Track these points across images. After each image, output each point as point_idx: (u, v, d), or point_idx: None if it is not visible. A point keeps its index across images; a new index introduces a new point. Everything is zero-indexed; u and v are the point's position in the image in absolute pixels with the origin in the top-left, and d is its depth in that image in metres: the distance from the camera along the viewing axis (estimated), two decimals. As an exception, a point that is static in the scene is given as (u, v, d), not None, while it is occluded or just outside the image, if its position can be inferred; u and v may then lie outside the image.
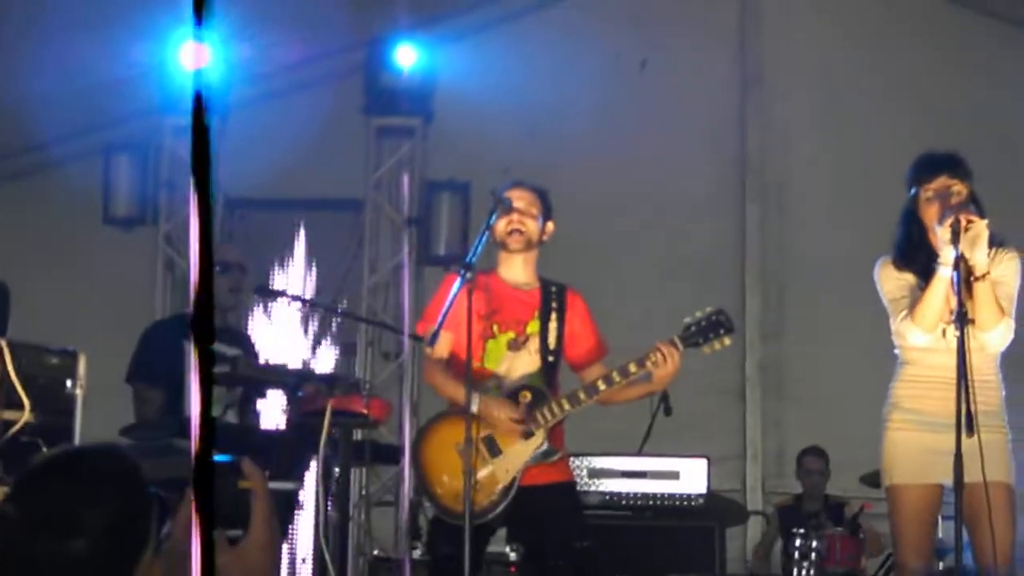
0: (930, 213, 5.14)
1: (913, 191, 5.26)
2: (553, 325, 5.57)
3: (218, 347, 6.42)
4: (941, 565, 8.12)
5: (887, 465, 5.28)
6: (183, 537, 2.47)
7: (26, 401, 4.84)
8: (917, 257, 5.21)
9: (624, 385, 5.42)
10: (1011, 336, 5.14)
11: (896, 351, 5.32)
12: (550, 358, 5.54)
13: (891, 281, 5.29)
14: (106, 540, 2.35)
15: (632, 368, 5.39)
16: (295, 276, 10.13)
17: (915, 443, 5.18)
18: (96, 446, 2.62)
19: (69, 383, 5.08)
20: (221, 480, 2.43)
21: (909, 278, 5.24)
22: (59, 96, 9.36)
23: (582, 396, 5.42)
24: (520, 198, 5.55)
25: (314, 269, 10.20)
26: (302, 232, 10.25)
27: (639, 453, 8.12)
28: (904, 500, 5.22)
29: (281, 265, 10.18)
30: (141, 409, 6.67)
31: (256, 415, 7.04)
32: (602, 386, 5.40)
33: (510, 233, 5.56)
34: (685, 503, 7.76)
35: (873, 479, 6.18)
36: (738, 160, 10.36)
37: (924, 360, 5.21)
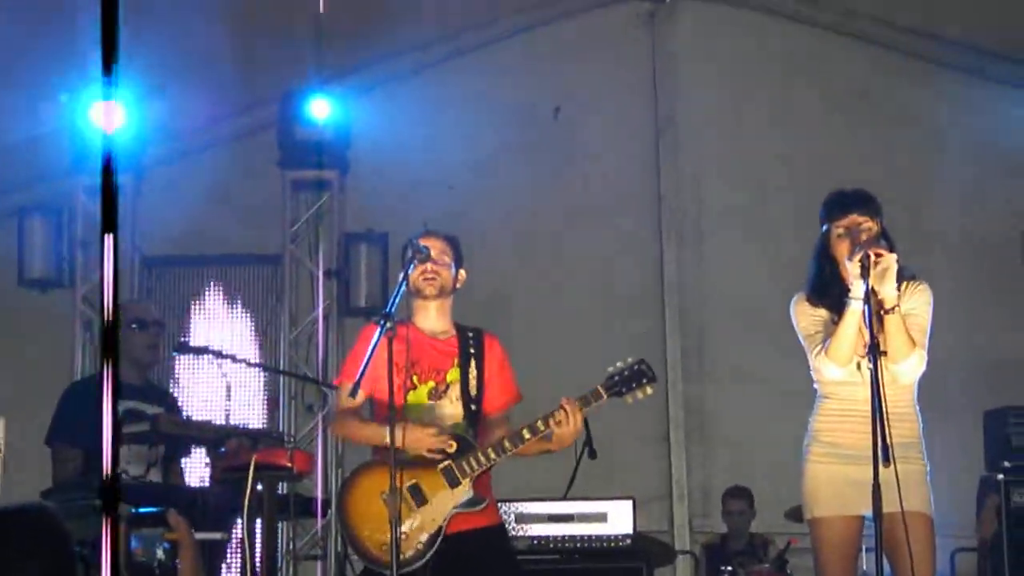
0: (841, 249, 5.24)
1: (825, 228, 5.36)
2: (473, 371, 5.59)
3: (138, 405, 6.43)
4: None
5: (808, 498, 5.34)
6: None
7: (-54, 466, 4.80)
8: (830, 292, 5.30)
9: (534, 441, 5.44)
10: (923, 368, 5.23)
11: (815, 385, 5.39)
12: (472, 406, 5.55)
13: (805, 317, 5.37)
14: None
15: (540, 425, 5.42)
16: (214, 332, 10.09)
17: (835, 475, 5.25)
18: (25, 507, 2.60)
19: (-11, 447, 5.04)
20: (148, 531, 2.43)
21: (823, 313, 5.33)
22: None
23: (507, 445, 5.43)
24: (432, 246, 5.57)
25: (233, 324, 10.17)
26: (220, 288, 10.22)
27: (565, 497, 8.13)
28: (826, 532, 5.28)
29: (199, 321, 10.14)
30: (59, 470, 6.60)
31: (181, 473, 7.00)
32: (527, 435, 5.41)
33: (424, 280, 5.58)
34: (613, 544, 7.79)
35: (797, 514, 6.24)
36: (653, 203, 10.45)
37: (840, 393, 5.28)
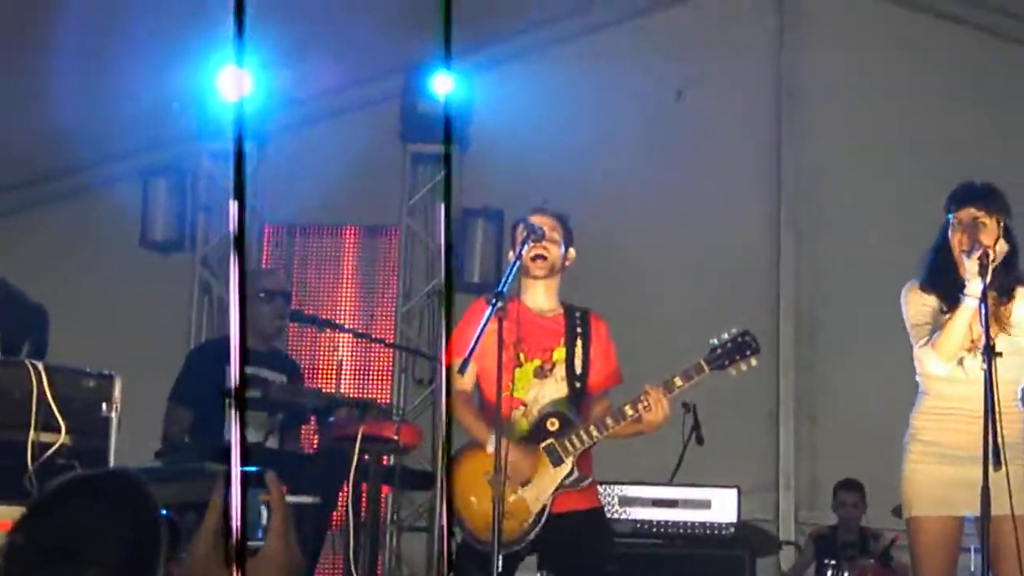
0: (955, 242, 5.18)
1: (948, 218, 5.29)
2: (579, 351, 5.58)
3: (262, 372, 6.50)
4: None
5: (907, 497, 5.29)
6: (205, 547, 2.47)
7: (62, 424, 4.90)
8: (943, 282, 5.23)
9: (628, 423, 5.43)
10: None
11: (917, 379, 5.33)
12: (577, 384, 5.56)
13: (915, 306, 5.31)
14: (117, 570, 2.34)
15: (628, 410, 5.40)
16: (328, 301, 10.19)
17: (935, 475, 5.19)
18: (107, 473, 2.62)
19: (105, 406, 5.13)
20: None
21: (932, 302, 5.26)
22: (99, 120, 9.46)
23: (609, 422, 5.43)
24: (543, 224, 5.57)
25: (348, 294, 10.26)
26: (339, 257, 10.31)
27: (670, 482, 8.11)
28: (924, 532, 5.22)
29: (315, 289, 10.25)
30: (168, 428, 6.69)
31: (298, 440, 7.05)
32: (630, 411, 5.41)
33: (533, 259, 5.57)
34: (716, 532, 7.75)
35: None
36: (773, 187, 10.36)
37: (942, 391, 5.23)
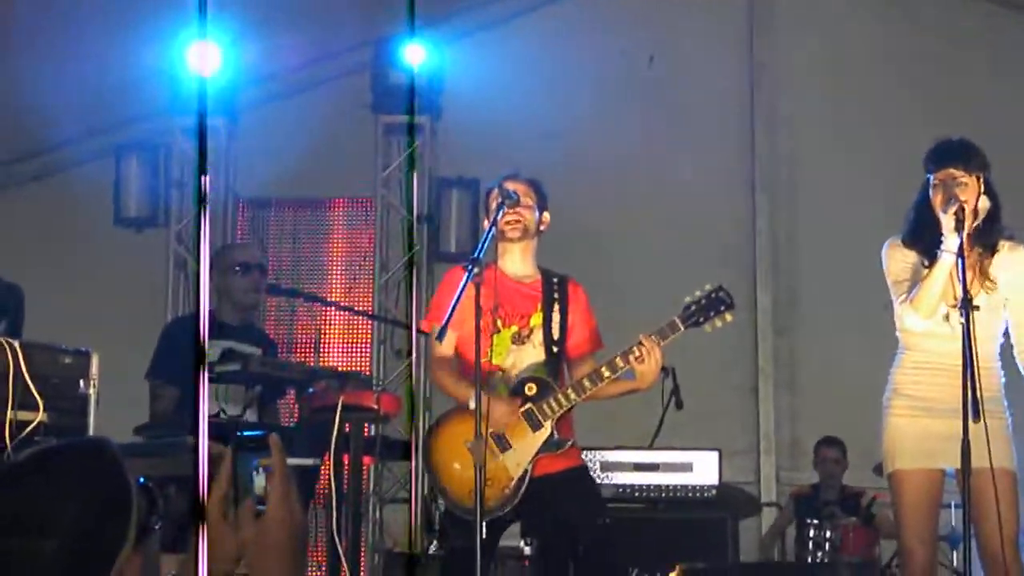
0: (936, 200, 5.17)
1: (928, 176, 5.29)
2: (556, 316, 5.60)
3: (237, 345, 6.48)
4: (955, 555, 8.14)
5: (889, 451, 5.31)
6: (215, 513, 2.46)
7: (40, 401, 4.87)
8: (923, 236, 5.23)
9: (613, 380, 5.43)
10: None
11: (898, 334, 5.35)
12: (554, 349, 5.57)
13: (896, 261, 5.32)
14: (78, 540, 2.29)
15: (619, 362, 5.40)
16: (305, 274, 10.18)
17: (917, 429, 5.21)
18: (75, 443, 2.59)
19: (82, 383, 5.10)
20: (243, 456, 2.45)
21: (913, 257, 5.27)
22: (70, 99, 9.40)
23: (587, 384, 5.43)
24: (517, 189, 5.57)
25: (324, 267, 10.25)
26: (313, 230, 10.30)
27: (651, 447, 8.13)
28: (907, 485, 5.24)
29: (291, 263, 10.23)
30: (154, 405, 6.67)
31: (277, 413, 7.05)
32: (607, 372, 5.41)
33: (508, 224, 5.58)
34: (698, 495, 7.78)
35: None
36: (747, 152, 10.37)
37: (923, 345, 5.25)
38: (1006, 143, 9.17)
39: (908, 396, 5.26)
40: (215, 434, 2.38)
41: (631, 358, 5.37)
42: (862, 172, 9.99)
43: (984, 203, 5.14)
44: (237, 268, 6.85)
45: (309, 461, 5.62)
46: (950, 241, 5.00)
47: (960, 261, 4.92)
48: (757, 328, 10.05)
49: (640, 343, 5.37)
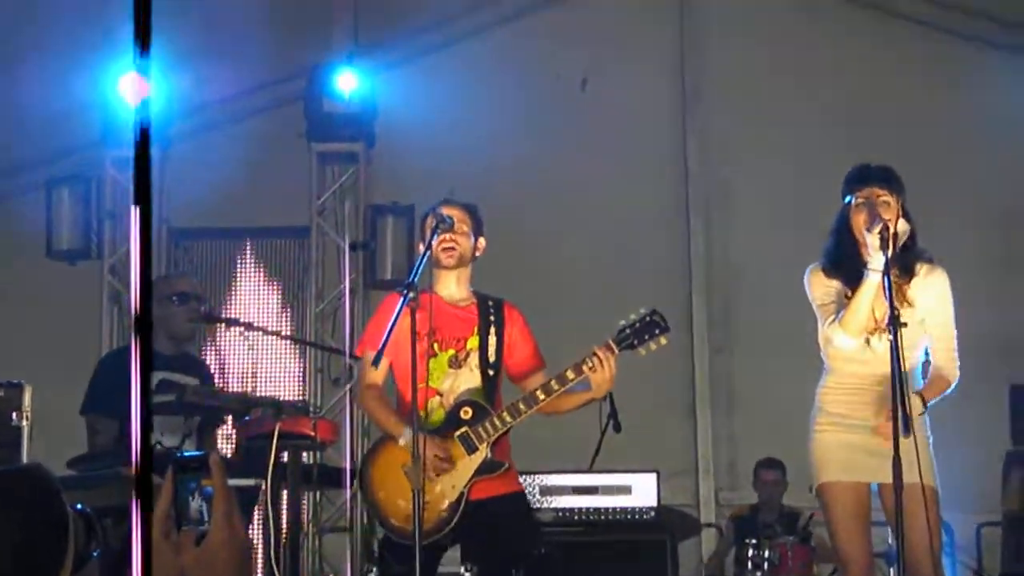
0: (858, 220, 5.23)
1: (846, 200, 5.35)
2: (492, 339, 5.61)
3: (171, 376, 6.46)
4: (891, 572, 8.19)
5: (817, 465, 5.38)
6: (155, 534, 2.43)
7: (-29, 434, 4.83)
8: (845, 265, 5.31)
9: (563, 393, 5.44)
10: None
11: (822, 356, 5.41)
12: (490, 372, 5.58)
13: (820, 288, 5.39)
14: (14, 563, 2.28)
15: (570, 374, 5.42)
16: (241, 303, 10.13)
17: (841, 442, 5.30)
18: (9, 469, 2.56)
19: (15, 415, 5.07)
20: (182, 479, 2.43)
21: (836, 285, 5.34)
22: (0, 131, 9.35)
23: (522, 407, 5.45)
24: (451, 214, 5.58)
25: (260, 296, 10.21)
26: (247, 260, 10.26)
27: (590, 469, 8.14)
28: (835, 496, 5.30)
29: (226, 293, 10.19)
30: (94, 439, 6.63)
31: (215, 443, 7.01)
32: (541, 395, 5.42)
33: (443, 250, 5.59)
34: (637, 517, 7.79)
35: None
36: (680, 175, 10.43)
37: (847, 368, 5.33)
38: (932, 166, 9.35)
39: (832, 414, 5.34)
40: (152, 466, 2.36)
41: (584, 368, 5.38)
42: (796, 194, 10.05)
43: (903, 226, 5.20)
44: (174, 298, 6.83)
45: (250, 482, 5.60)
46: (876, 260, 5.05)
47: (886, 279, 4.97)
48: (693, 350, 10.09)
49: (594, 353, 5.38)
